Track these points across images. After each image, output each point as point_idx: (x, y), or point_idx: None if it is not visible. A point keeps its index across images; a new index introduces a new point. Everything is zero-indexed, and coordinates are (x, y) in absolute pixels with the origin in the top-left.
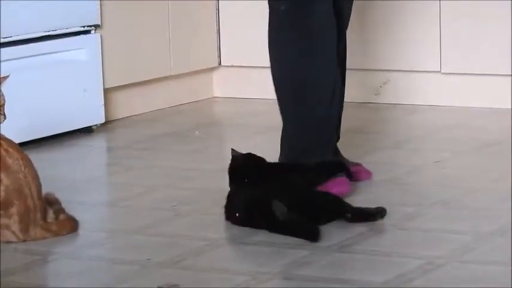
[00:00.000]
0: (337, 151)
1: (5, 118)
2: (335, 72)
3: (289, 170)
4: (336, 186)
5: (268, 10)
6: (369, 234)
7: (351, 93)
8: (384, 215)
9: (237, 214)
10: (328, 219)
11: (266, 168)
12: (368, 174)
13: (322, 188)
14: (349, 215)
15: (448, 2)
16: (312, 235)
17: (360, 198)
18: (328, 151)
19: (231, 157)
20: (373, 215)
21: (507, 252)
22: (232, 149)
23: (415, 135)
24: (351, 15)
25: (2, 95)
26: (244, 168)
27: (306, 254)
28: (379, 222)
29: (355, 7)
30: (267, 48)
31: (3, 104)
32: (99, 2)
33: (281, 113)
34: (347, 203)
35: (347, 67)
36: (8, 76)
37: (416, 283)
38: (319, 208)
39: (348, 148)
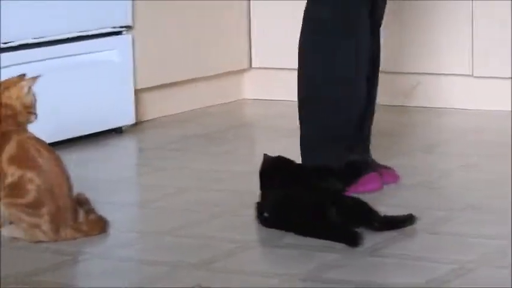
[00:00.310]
0: (367, 152)
1: (36, 117)
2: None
3: (316, 173)
4: (368, 183)
5: (301, 14)
6: (400, 238)
7: (381, 95)
8: (414, 222)
9: (265, 215)
10: (355, 226)
11: (295, 171)
12: (396, 177)
13: (354, 186)
14: (376, 224)
15: (480, 4)
16: (354, 240)
17: (391, 202)
18: (347, 152)
19: (262, 160)
20: (402, 222)
21: None
22: (264, 154)
23: (445, 138)
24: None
25: (33, 94)
26: (274, 170)
27: (336, 257)
28: (411, 227)
29: (388, 9)
30: (299, 52)
31: (35, 104)
32: (131, 3)
33: (305, 114)
34: (375, 211)
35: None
36: (38, 76)
37: None
38: (346, 214)
39: (377, 151)
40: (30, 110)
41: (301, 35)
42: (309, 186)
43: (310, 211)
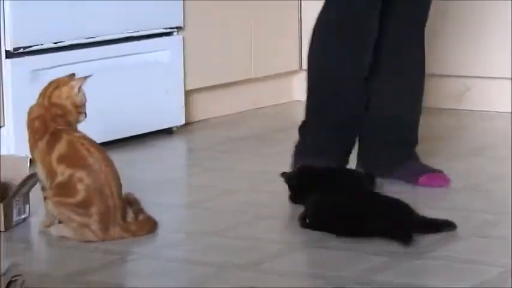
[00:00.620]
0: (414, 155)
1: (85, 117)
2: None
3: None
4: (435, 179)
5: None
6: (448, 241)
7: (432, 99)
8: (453, 228)
9: (307, 220)
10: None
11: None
12: (447, 181)
13: (423, 179)
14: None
15: None
16: (407, 238)
17: (441, 205)
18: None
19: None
20: (441, 225)
21: None
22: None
23: (495, 142)
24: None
25: (83, 94)
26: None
27: (384, 260)
28: (459, 229)
29: (438, 12)
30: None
31: (85, 103)
32: (182, 4)
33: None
34: (415, 213)
35: (428, 72)
36: (89, 76)
37: None
38: (386, 216)
39: (427, 154)
40: (80, 110)
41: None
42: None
43: (353, 220)
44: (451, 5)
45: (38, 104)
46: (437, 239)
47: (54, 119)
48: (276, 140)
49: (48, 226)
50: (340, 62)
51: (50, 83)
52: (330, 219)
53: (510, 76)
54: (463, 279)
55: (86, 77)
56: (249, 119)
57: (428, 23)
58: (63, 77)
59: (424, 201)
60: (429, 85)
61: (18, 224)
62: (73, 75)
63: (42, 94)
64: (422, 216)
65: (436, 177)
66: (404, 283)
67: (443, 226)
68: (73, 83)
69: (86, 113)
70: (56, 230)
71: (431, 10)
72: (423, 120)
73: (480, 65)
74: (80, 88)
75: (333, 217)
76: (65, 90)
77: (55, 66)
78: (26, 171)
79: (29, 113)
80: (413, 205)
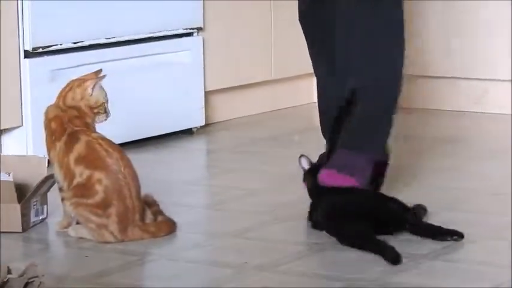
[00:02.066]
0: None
1: (107, 116)
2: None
3: None
4: (334, 178)
5: None
6: (464, 243)
7: (450, 101)
8: (460, 239)
9: (314, 220)
10: (395, 229)
11: None
12: (348, 181)
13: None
14: (407, 225)
15: None
16: (395, 258)
17: (457, 207)
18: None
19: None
20: (446, 234)
21: None
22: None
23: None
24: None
25: (101, 93)
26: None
27: (402, 261)
28: (475, 232)
29: (456, 13)
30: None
31: (104, 103)
32: (202, 4)
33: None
34: (411, 214)
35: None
36: (103, 76)
37: None
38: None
39: (444, 156)
40: (96, 110)
41: None
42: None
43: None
44: (469, 6)
45: (55, 105)
46: (454, 241)
47: (71, 120)
48: (294, 141)
49: (66, 227)
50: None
51: (67, 85)
52: (339, 226)
53: None
54: (479, 282)
55: (100, 77)
56: (268, 120)
57: (445, 26)
58: (85, 75)
59: (440, 203)
60: (447, 87)
61: (36, 225)
62: (99, 71)
63: (59, 96)
64: (428, 224)
65: (336, 176)
66: (421, 285)
67: (448, 235)
68: (86, 83)
69: (108, 112)
70: (74, 231)
71: (453, 12)
72: (441, 122)
73: (499, 68)
74: (93, 89)
75: (340, 224)
76: (78, 91)
77: (74, 66)
78: (44, 172)
79: (46, 113)
80: (429, 207)
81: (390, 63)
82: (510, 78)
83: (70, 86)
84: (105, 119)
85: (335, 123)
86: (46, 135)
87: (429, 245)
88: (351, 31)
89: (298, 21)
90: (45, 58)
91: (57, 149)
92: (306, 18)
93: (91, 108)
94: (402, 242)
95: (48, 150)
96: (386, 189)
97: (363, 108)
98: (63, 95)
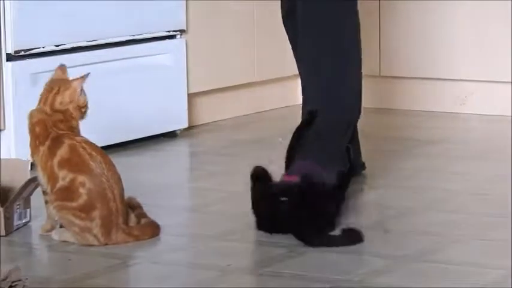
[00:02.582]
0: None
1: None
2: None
3: None
4: None
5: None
6: (448, 244)
7: (435, 102)
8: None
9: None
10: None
11: None
12: None
13: None
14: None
15: None
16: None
17: (442, 208)
18: None
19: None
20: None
21: None
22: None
23: (498, 146)
24: None
25: (84, 93)
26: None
27: (386, 263)
28: (460, 233)
29: (440, 15)
30: None
31: (85, 106)
32: (185, 7)
33: None
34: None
35: (430, 76)
36: (88, 74)
37: None
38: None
39: (429, 157)
40: (83, 110)
41: None
42: None
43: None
44: (453, 7)
45: (39, 109)
46: (436, 241)
47: (55, 125)
48: (278, 143)
49: (50, 230)
50: None
51: (50, 88)
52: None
53: (509, 80)
54: (463, 282)
55: (85, 76)
56: (252, 123)
57: (429, 27)
58: (60, 79)
59: (422, 204)
60: (432, 89)
61: (19, 228)
62: (63, 66)
63: (43, 100)
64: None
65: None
66: (404, 286)
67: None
68: (74, 85)
69: (85, 115)
70: (57, 235)
71: (437, 13)
72: (424, 124)
73: (483, 69)
74: (82, 89)
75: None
76: (67, 94)
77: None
78: (27, 175)
79: (30, 118)
80: (411, 207)
81: (345, 87)
82: (493, 80)
83: (57, 89)
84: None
85: (294, 140)
86: (30, 139)
87: (412, 246)
88: (305, 52)
89: (281, 23)
90: (28, 61)
91: (41, 153)
92: (288, 20)
93: (80, 108)
94: (385, 242)
95: (32, 153)
96: (366, 191)
97: (318, 126)
98: (49, 100)
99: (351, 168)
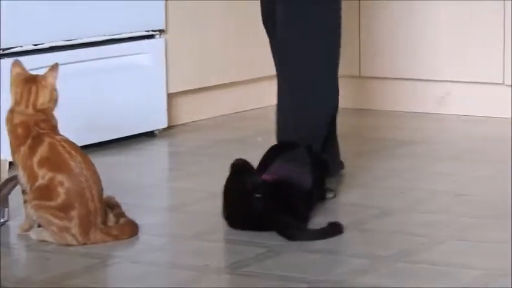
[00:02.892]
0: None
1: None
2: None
3: None
4: None
5: None
6: (429, 244)
7: (413, 103)
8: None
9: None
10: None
11: None
12: None
13: None
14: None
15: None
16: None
17: (422, 208)
18: None
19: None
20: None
21: None
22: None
23: (476, 146)
24: None
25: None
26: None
27: (365, 263)
28: (441, 234)
29: (419, 15)
30: None
31: (58, 96)
32: (164, 7)
33: None
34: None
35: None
36: (57, 64)
37: None
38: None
39: (408, 158)
40: (57, 102)
41: None
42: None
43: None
44: (433, 8)
45: (21, 111)
46: (417, 242)
47: (37, 124)
48: (258, 143)
49: (28, 230)
50: None
51: (28, 88)
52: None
53: (490, 81)
54: (443, 282)
55: (56, 68)
56: (232, 122)
57: (408, 28)
58: (32, 76)
59: (402, 204)
60: (413, 89)
61: None
62: (17, 61)
63: (25, 102)
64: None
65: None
66: (385, 286)
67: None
68: (51, 81)
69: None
70: (35, 234)
71: (415, 13)
72: (407, 124)
73: (461, 70)
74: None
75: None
76: (47, 93)
77: (34, 69)
78: (5, 175)
79: (10, 119)
80: (392, 208)
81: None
82: (472, 80)
83: (36, 89)
84: None
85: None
86: (11, 139)
87: (392, 247)
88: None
89: (261, 23)
90: (6, 60)
91: (22, 153)
92: (269, 22)
93: (55, 101)
94: (366, 243)
95: (13, 153)
96: (347, 191)
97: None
98: (31, 99)
99: (325, 167)
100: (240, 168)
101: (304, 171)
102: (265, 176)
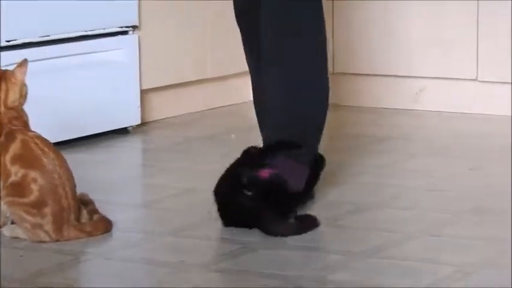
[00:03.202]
0: None
1: None
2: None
3: None
4: None
5: None
6: (404, 240)
7: (388, 99)
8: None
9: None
10: None
11: None
12: None
13: None
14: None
15: (486, 9)
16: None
17: (395, 204)
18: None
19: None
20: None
21: None
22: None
23: (451, 142)
24: None
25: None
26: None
27: (339, 259)
28: (415, 229)
29: (393, 12)
30: None
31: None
32: (137, 3)
33: None
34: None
35: (383, 73)
36: (26, 60)
37: None
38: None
39: (384, 154)
40: (26, 97)
41: None
42: None
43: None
44: (406, 5)
45: None
46: (391, 238)
47: (10, 121)
48: (230, 140)
49: (1, 227)
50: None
51: None
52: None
53: (464, 77)
54: (418, 278)
55: (25, 63)
56: (205, 119)
57: (383, 24)
58: (7, 76)
59: (377, 200)
60: (387, 86)
61: None
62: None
63: None
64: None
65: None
66: (359, 282)
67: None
68: (21, 77)
69: None
70: (8, 231)
71: (390, 10)
72: (382, 120)
73: (436, 65)
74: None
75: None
76: (17, 90)
77: (6, 65)
78: None
79: None
80: (366, 204)
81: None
82: (447, 76)
83: (6, 86)
84: None
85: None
86: None
87: (368, 242)
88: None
89: (233, 20)
90: None
91: None
92: (242, 18)
93: (25, 97)
94: (341, 239)
95: None
96: (322, 187)
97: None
98: (2, 99)
99: (318, 167)
100: (247, 157)
101: (300, 172)
102: (263, 172)
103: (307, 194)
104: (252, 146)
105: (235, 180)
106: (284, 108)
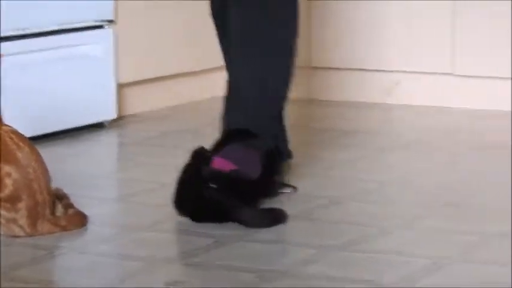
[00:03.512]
0: None
1: None
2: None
3: None
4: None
5: None
6: (377, 233)
7: (362, 93)
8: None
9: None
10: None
11: None
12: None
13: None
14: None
15: (461, 3)
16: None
17: (368, 198)
18: None
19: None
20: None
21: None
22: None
23: (425, 136)
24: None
25: None
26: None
27: (312, 253)
28: (387, 223)
29: (368, 8)
30: None
31: None
32: None
33: None
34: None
35: (357, 67)
36: (2, 55)
37: (422, 283)
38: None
39: (356, 148)
40: None
41: None
42: None
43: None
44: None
45: None
46: (366, 232)
47: None
48: (207, 134)
49: None
50: None
51: None
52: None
53: (439, 71)
54: (391, 272)
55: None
56: (181, 113)
57: (356, 18)
58: None
59: (349, 195)
60: (359, 79)
61: None
62: None
63: None
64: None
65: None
66: (332, 276)
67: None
68: None
69: None
70: None
71: (364, 4)
72: (355, 114)
73: (410, 60)
74: None
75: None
76: None
77: None
78: None
79: None
80: (338, 198)
81: (277, 75)
82: (421, 70)
83: None
84: None
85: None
86: None
87: (339, 236)
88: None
89: (209, 15)
90: None
91: None
92: (218, 13)
93: None
94: (314, 232)
95: None
96: (295, 181)
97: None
98: None
99: (279, 156)
100: (198, 155)
101: (254, 159)
102: (217, 162)
103: (262, 183)
104: (200, 147)
105: (195, 176)
106: (244, 97)
